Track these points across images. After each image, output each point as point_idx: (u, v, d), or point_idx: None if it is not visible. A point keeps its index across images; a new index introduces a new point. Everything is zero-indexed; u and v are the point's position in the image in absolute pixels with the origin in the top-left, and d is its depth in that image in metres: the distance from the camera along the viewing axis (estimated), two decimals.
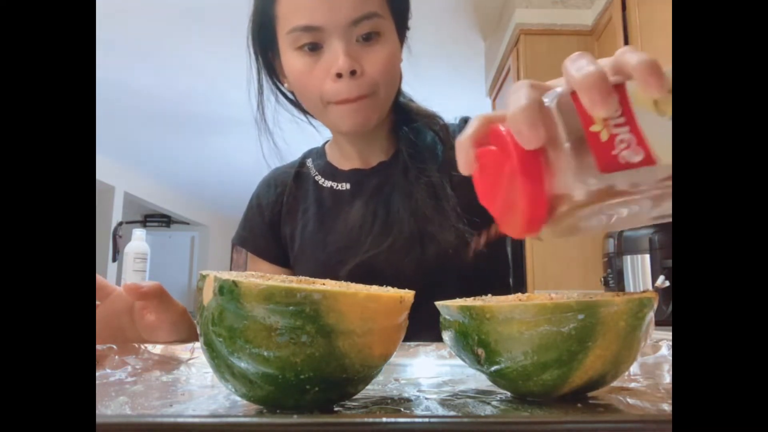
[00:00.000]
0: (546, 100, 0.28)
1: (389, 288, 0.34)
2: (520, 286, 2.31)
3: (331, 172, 0.77)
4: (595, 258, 2.37)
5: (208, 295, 0.30)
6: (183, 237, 7.03)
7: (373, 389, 0.36)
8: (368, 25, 0.62)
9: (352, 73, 0.61)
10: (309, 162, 0.81)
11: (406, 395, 0.35)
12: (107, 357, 0.45)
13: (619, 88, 0.26)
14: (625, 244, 2.03)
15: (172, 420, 0.24)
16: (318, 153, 0.82)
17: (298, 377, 0.28)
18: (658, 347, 0.47)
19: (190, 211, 6.49)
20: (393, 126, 0.75)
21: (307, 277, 0.37)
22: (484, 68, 2.99)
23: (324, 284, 0.32)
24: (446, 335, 0.36)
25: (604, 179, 0.27)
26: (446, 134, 0.75)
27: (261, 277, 0.32)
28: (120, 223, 5.03)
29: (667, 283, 1.84)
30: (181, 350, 0.50)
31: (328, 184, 0.76)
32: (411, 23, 0.72)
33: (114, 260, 4.93)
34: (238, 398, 0.32)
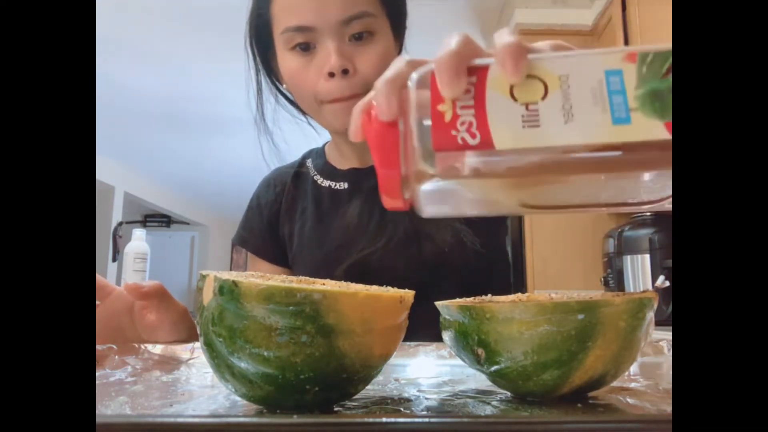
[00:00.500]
0: (412, 75, 0.28)
1: (389, 288, 0.34)
2: (520, 286, 2.31)
3: (329, 171, 0.77)
4: (595, 258, 2.37)
5: (208, 295, 0.30)
6: (183, 237, 7.03)
7: (373, 389, 0.36)
8: (360, 25, 0.62)
9: (345, 72, 0.61)
10: (309, 162, 0.81)
11: (406, 395, 0.35)
12: (107, 357, 0.45)
13: (483, 71, 0.26)
14: (625, 244, 2.03)
15: (172, 420, 0.24)
16: (318, 153, 0.82)
17: (298, 377, 0.28)
18: (658, 347, 0.47)
19: (190, 211, 6.49)
20: None
21: (307, 277, 0.37)
22: None
23: (324, 284, 0.32)
24: (446, 335, 0.36)
25: (443, 159, 0.26)
26: None
27: (261, 277, 0.32)
28: (120, 223, 5.03)
29: (667, 283, 1.84)
30: (181, 350, 0.50)
31: (326, 183, 0.76)
32: (410, 22, 0.72)
33: (114, 260, 4.93)
34: (238, 398, 0.32)
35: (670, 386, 0.37)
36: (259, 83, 0.73)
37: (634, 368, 0.43)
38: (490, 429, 0.25)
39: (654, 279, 1.91)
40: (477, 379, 0.40)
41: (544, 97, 0.25)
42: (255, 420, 0.27)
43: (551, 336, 0.30)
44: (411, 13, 0.72)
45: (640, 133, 0.23)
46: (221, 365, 0.30)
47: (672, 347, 0.46)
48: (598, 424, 0.25)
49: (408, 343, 0.49)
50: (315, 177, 0.78)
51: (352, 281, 0.36)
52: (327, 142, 0.83)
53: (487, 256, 0.70)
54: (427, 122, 0.27)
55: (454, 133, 0.26)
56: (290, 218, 0.77)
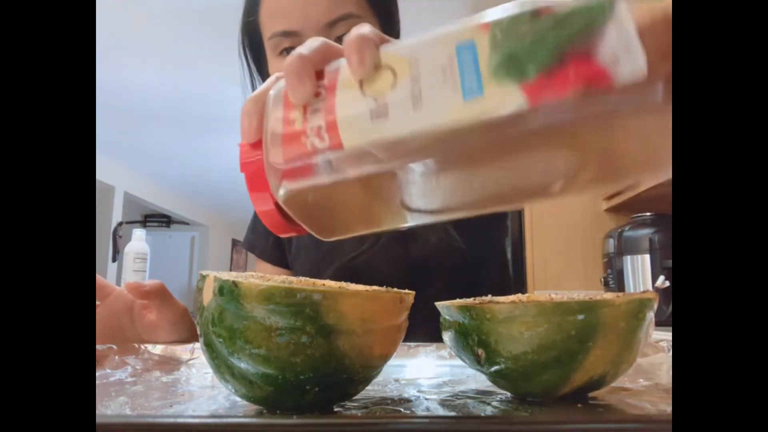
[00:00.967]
0: (271, 91, 0.27)
1: (389, 288, 0.34)
2: (520, 286, 2.31)
3: None
4: (595, 258, 2.37)
5: (208, 295, 0.30)
6: (183, 237, 7.03)
7: (373, 390, 0.36)
8: (345, 26, 0.62)
9: None
10: None
11: (406, 396, 0.35)
12: (107, 357, 0.45)
13: (336, 72, 0.25)
14: (625, 244, 2.03)
15: (172, 420, 0.24)
16: None
17: (298, 378, 0.28)
18: (658, 347, 0.47)
19: (190, 211, 6.49)
20: None
21: (308, 278, 0.37)
22: None
23: (324, 284, 0.32)
24: (446, 335, 0.36)
25: (296, 170, 0.25)
26: None
27: (261, 277, 0.32)
28: (120, 223, 5.03)
29: (667, 283, 1.84)
30: (182, 351, 0.50)
31: None
32: (408, 23, 0.72)
33: (114, 260, 4.93)
34: (238, 399, 0.32)
35: (670, 386, 0.37)
36: (254, 89, 0.74)
37: (634, 368, 0.42)
38: (490, 429, 0.25)
39: (654, 279, 1.91)
40: (477, 380, 0.40)
41: (393, 86, 0.22)
42: (255, 420, 0.27)
43: (551, 336, 0.30)
44: (407, 11, 0.72)
45: (493, 104, 0.20)
46: (221, 366, 0.30)
47: (672, 347, 0.46)
48: (598, 424, 0.25)
49: (408, 343, 0.49)
50: None
51: None
52: None
53: (476, 256, 0.70)
54: (277, 135, 0.25)
55: (303, 139, 0.24)
56: None
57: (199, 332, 0.31)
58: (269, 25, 0.63)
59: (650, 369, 0.43)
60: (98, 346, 0.46)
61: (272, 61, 0.65)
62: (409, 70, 0.22)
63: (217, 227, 7.15)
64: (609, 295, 0.32)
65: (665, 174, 0.21)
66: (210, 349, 0.30)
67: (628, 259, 2.02)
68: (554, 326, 0.30)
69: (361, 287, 0.33)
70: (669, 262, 1.89)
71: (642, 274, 1.97)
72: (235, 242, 7.60)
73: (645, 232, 1.99)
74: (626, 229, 2.06)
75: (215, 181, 5.48)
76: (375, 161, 0.23)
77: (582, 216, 2.45)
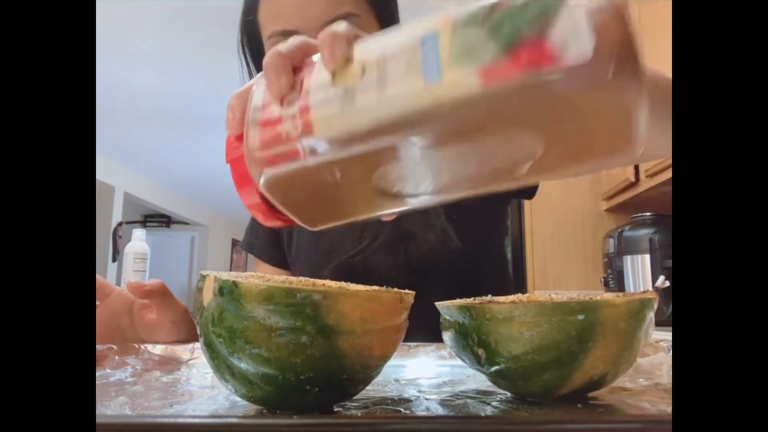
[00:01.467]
0: (254, 86, 0.29)
1: (389, 288, 0.34)
2: (520, 286, 2.31)
3: None
4: (595, 258, 2.38)
5: (208, 295, 0.30)
6: (183, 237, 7.03)
7: (373, 390, 0.36)
8: None
9: None
10: None
11: (406, 396, 0.35)
12: (107, 357, 0.45)
13: (312, 65, 0.26)
14: (625, 244, 2.03)
15: (172, 420, 0.24)
16: None
17: (298, 378, 0.28)
18: (658, 347, 0.47)
19: (190, 211, 6.49)
20: None
21: (308, 278, 0.37)
22: None
23: (324, 284, 0.32)
24: (446, 335, 0.36)
25: (273, 157, 0.26)
26: None
27: (261, 277, 0.32)
28: (120, 223, 5.03)
29: (667, 283, 1.84)
30: (182, 351, 0.50)
31: None
32: (406, 19, 0.72)
33: (114, 260, 4.93)
34: (238, 399, 0.32)
35: (670, 386, 0.37)
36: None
37: (634, 368, 0.43)
38: (490, 429, 0.25)
39: (654, 279, 1.91)
40: (477, 380, 0.40)
41: (362, 77, 0.24)
42: (255, 420, 0.27)
43: (551, 336, 0.30)
44: (408, 10, 0.72)
45: (450, 87, 0.21)
46: (221, 366, 0.30)
47: (672, 347, 0.46)
48: (598, 424, 0.25)
49: (408, 343, 0.49)
50: None
51: None
52: None
53: (475, 255, 0.70)
54: (256, 125, 0.27)
55: (279, 128, 0.26)
56: None
57: (199, 332, 0.31)
58: (268, 25, 0.63)
59: (650, 369, 0.43)
60: (98, 346, 0.46)
61: None
62: (377, 61, 0.24)
63: (217, 227, 7.15)
64: (609, 295, 0.32)
65: (631, 155, 0.21)
66: (210, 349, 0.30)
67: (628, 259, 2.02)
68: (554, 326, 0.30)
69: (361, 287, 0.33)
70: (669, 262, 1.90)
71: (642, 274, 1.97)
72: (235, 242, 7.61)
73: (645, 232, 1.99)
74: (626, 229, 2.06)
75: (215, 181, 5.48)
76: (345, 147, 0.24)
77: (582, 216, 2.45)
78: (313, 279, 0.37)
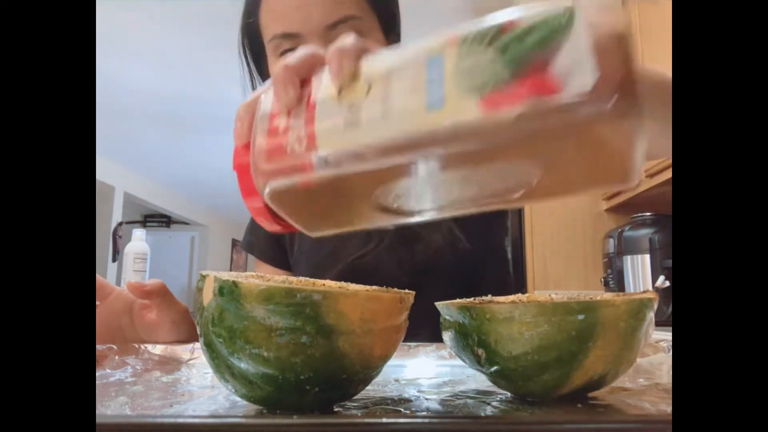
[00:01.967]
0: (262, 96, 0.29)
1: (390, 288, 0.34)
2: (520, 286, 2.31)
3: None
4: (595, 258, 2.37)
5: (208, 295, 0.30)
6: (183, 237, 7.03)
7: (373, 390, 0.36)
8: (346, 28, 0.61)
9: None
10: None
11: (406, 396, 0.35)
12: (107, 357, 0.45)
13: (319, 80, 0.27)
14: (625, 245, 2.03)
15: (172, 420, 0.24)
16: None
17: (298, 378, 0.28)
18: (658, 347, 0.47)
19: (190, 211, 6.49)
20: None
21: (308, 278, 0.37)
22: None
23: (324, 285, 0.32)
24: (446, 335, 0.36)
25: (278, 171, 0.26)
26: None
27: (261, 277, 0.32)
28: (120, 223, 5.03)
29: (667, 283, 1.84)
30: (182, 351, 0.50)
31: None
32: (408, 23, 0.72)
33: (114, 260, 4.93)
34: (238, 399, 0.32)
35: (670, 386, 0.37)
36: (254, 89, 0.74)
37: (634, 368, 0.43)
38: (490, 429, 0.25)
39: (654, 279, 1.91)
40: (477, 380, 0.40)
41: (367, 96, 0.24)
42: (255, 420, 0.27)
43: (551, 336, 0.30)
44: (409, 9, 0.71)
45: (450, 116, 0.21)
46: (221, 366, 0.30)
47: (672, 347, 0.46)
48: (598, 424, 0.25)
49: (408, 343, 0.49)
50: None
51: None
52: None
53: (479, 255, 0.70)
54: (262, 136, 0.27)
55: (284, 143, 0.26)
56: None
57: (199, 332, 0.31)
58: (269, 27, 0.63)
59: (650, 369, 0.43)
60: (98, 346, 0.46)
61: (273, 62, 0.65)
62: (383, 81, 0.24)
63: (217, 227, 7.15)
64: (609, 295, 0.32)
65: (628, 185, 0.22)
66: (210, 349, 0.30)
67: (628, 259, 2.01)
68: (554, 326, 0.30)
69: (361, 287, 0.33)
70: (669, 262, 1.89)
71: (642, 274, 1.97)
72: (235, 242, 7.60)
73: (645, 232, 1.99)
74: (626, 229, 2.06)
75: (215, 181, 5.49)
76: (347, 164, 0.24)
77: (582, 216, 2.45)
78: (313, 279, 0.37)
